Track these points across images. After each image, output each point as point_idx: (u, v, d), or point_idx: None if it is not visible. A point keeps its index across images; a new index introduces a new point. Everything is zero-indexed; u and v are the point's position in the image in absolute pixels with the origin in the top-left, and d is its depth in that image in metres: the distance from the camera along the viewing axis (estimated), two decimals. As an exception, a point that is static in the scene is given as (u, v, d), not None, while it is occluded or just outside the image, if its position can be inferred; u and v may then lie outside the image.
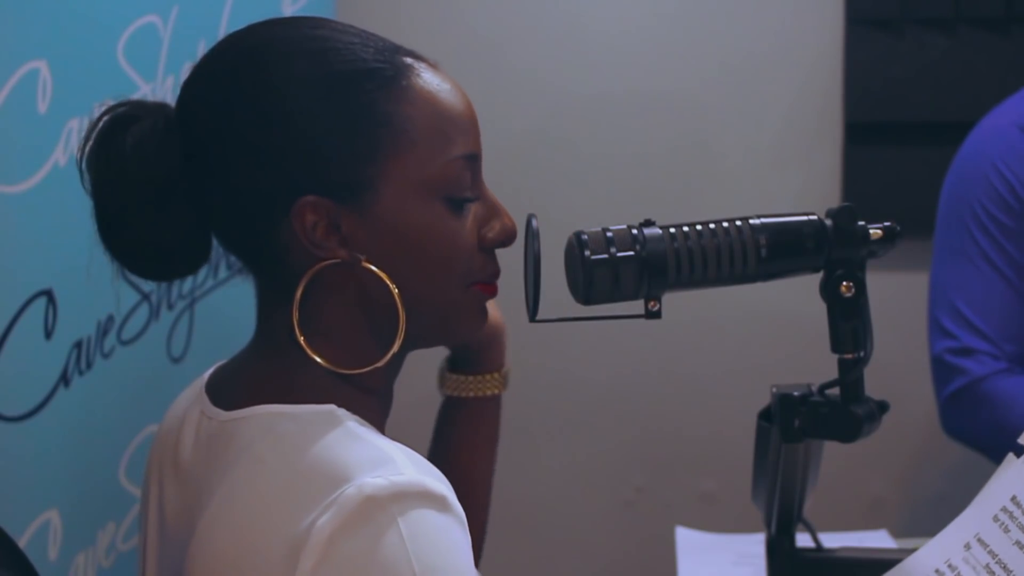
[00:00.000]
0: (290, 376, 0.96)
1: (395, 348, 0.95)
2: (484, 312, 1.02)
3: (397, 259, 0.94)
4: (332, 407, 0.93)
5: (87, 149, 0.97)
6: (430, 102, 0.95)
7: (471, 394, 1.19)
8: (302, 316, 0.95)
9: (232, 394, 0.98)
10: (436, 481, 0.87)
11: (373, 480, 0.85)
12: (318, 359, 0.94)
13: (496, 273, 1.01)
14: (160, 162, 0.96)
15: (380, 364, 0.96)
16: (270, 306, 0.98)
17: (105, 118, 0.98)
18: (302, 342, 0.94)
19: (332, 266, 0.94)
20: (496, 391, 1.20)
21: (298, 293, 0.94)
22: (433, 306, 0.97)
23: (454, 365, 1.20)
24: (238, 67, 0.95)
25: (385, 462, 0.87)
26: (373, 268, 0.93)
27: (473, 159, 0.97)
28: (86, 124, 1.25)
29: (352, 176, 0.92)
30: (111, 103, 0.99)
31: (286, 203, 0.92)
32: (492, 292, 1.01)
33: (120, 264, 0.99)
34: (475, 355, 1.18)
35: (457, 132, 0.96)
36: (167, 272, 1.02)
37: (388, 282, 0.94)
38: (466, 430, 1.19)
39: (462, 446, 1.19)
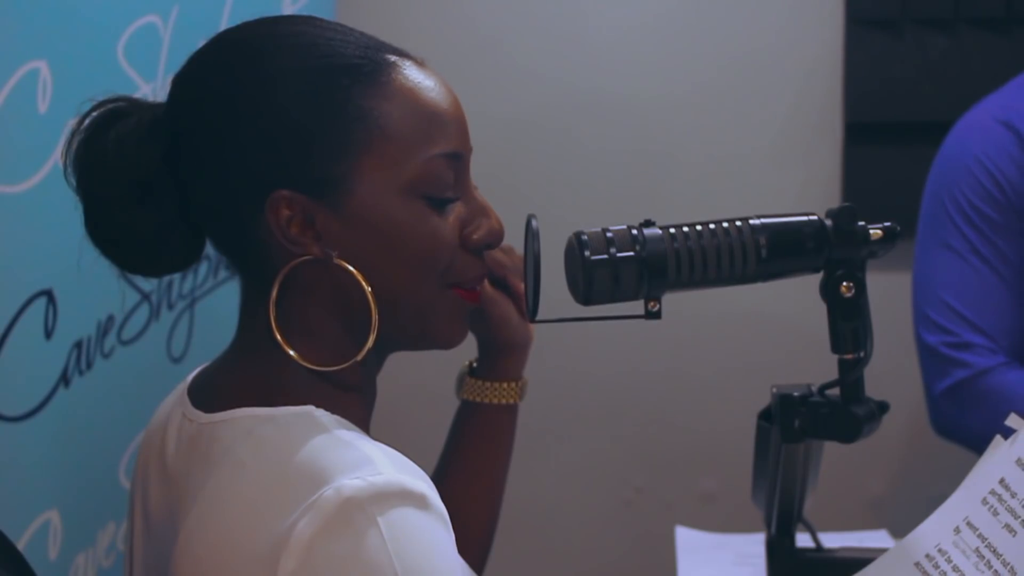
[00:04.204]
0: (269, 377, 0.96)
1: (369, 344, 0.95)
2: (464, 319, 1.01)
3: (372, 255, 0.93)
4: (310, 408, 0.93)
5: (74, 144, 0.97)
6: (410, 98, 0.94)
7: (488, 400, 1.18)
8: (280, 315, 0.94)
9: (212, 396, 0.98)
10: (415, 479, 0.87)
11: (351, 481, 0.84)
12: (293, 354, 0.94)
13: (481, 276, 1.01)
14: (141, 156, 0.96)
15: (355, 360, 0.95)
16: (250, 306, 0.98)
17: (94, 114, 0.98)
18: (279, 339, 0.94)
19: (308, 264, 0.93)
20: (513, 400, 1.19)
21: (274, 290, 0.94)
22: (409, 304, 0.96)
23: (474, 371, 1.20)
24: (220, 63, 0.96)
25: (363, 463, 0.87)
26: (345, 265, 0.93)
27: (456, 158, 0.96)
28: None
29: (326, 171, 0.92)
30: (104, 99, 0.99)
31: (261, 197, 0.92)
32: (472, 299, 1.00)
33: (107, 258, 0.99)
34: (497, 362, 1.18)
35: (438, 130, 0.95)
36: (155, 267, 1.02)
37: (360, 279, 0.93)
38: (480, 437, 1.19)
39: (474, 453, 1.19)
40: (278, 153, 0.92)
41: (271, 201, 0.92)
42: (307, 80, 0.92)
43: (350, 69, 0.93)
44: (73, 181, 0.97)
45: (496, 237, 0.99)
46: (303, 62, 0.93)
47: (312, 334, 0.96)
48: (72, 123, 0.98)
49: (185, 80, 0.97)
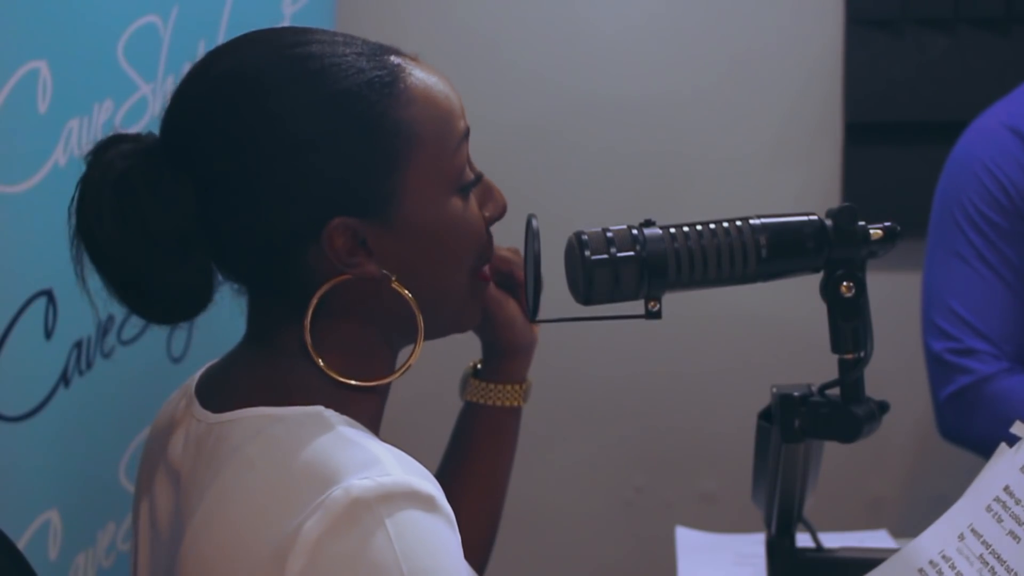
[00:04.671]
0: (280, 378, 0.96)
1: (411, 362, 0.96)
2: (483, 301, 1.04)
3: (423, 260, 0.95)
4: (320, 408, 0.93)
5: (96, 205, 0.92)
6: (426, 98, 0.95)
7: (492, 402, 1.18)
8: (311, 326, 0.94)
9: (222, 396, 0.98)
10: (423, 481, 0.87)
11: (360, 482, 0.85)
12: (332, 374, 0.94)
13: (492, 253, 1.04)
14: (178, 216, 0.92)
15: (394, 378, 0.97)
16: (275, 315, 0.97)
17: (110, 177, 0.92)
18: (320, 365, 0.94)
19: (351, 279, 0.94)
20: (516, 403, 1.19)
21: (310, 309, 0.94)
22: (451, 301, 0.99)
23: (478, 372, 1.20)
24: (233, 102, 0.92)
25: (372, 463, 0.87)
26: (404, 291, 0.94)
27: (467, 135, 0.98)
28: (86, 124, 1.26)
29: (375, 191, 0.92)
30: (93, 148, 0.94)
31: (315, 230, 0.92)
32: (487, 279, 1.03)
33: (144, 318, 0.97)
34: (501, 363, 1.18)
35: (454, 119, 0.97)
36: (190, 314, 0.98)
37: (412, 303, 0.95)
38: (483, 439, 1.19)
39: (477, 454, 1.19)
40: (326, 185, 0.92)
41: (327, 232, 0.91)
42: (337, 105, 0.91)
43: (373, 83, 0.93)
44: (103, 249, 0.93)
45: (504, 209, 1.02)
46: (327, 87, 0.91)
47: (346, 348, 0.96)
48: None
49: (196, 125, 0.93)
